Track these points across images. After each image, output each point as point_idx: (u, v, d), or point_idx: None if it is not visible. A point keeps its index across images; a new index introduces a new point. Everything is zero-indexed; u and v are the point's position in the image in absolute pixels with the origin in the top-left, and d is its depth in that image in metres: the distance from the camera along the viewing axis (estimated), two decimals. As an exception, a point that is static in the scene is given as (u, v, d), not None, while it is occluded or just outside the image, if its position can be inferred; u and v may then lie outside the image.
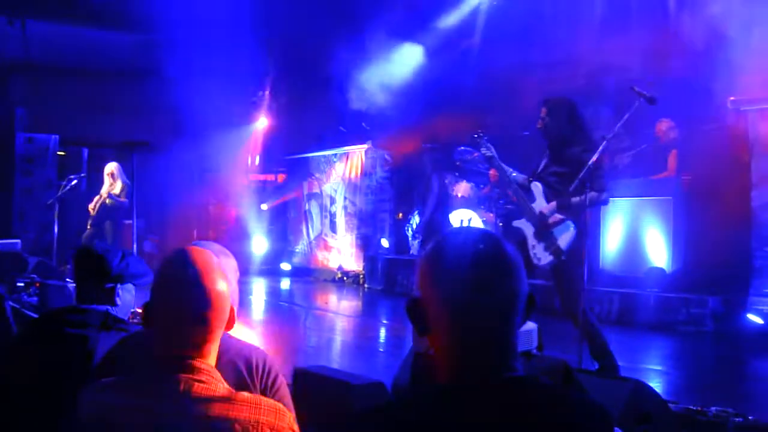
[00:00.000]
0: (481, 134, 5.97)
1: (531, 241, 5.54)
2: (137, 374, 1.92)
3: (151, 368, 1.90)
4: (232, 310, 2.01)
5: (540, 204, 5.55)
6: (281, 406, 1.92)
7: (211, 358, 1.94)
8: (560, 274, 5.51)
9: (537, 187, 5.59)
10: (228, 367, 2.35)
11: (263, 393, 2.38)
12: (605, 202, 5.58)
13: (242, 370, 2.39)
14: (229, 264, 2.61)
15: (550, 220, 5.45)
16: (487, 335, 1.51)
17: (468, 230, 1.65)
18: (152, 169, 11.95)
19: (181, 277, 1.93)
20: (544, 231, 5.48)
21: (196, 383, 1.85)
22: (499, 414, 1.43)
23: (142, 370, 1.92)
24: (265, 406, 1.88)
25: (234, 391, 1.90)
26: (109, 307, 2.89)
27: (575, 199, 5.35)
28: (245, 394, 1.89)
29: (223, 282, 1.98)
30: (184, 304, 1.91)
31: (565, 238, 5.38)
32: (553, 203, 5.46)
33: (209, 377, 1.89)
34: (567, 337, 5.74)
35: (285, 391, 2.47)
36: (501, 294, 1.51)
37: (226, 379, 1.93)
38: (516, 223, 5.71)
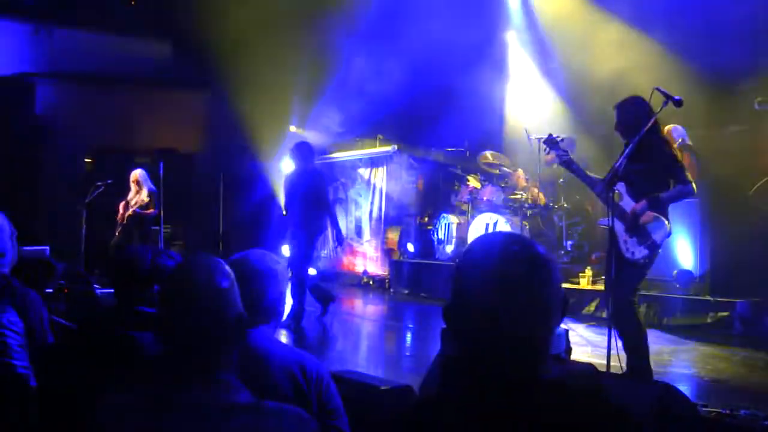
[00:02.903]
0: (559, 137, 5.92)
1: (622, 236, 5.44)
2: (157, 383, 1.88)
3: (171, 376, 1.87)
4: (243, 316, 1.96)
5: (627, 203, 5.47)
6: (306, 414, 1.90)
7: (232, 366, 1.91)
8: (633, 267, 5.42)
9: (621, 187, 5.51)
10: (282, 373, 2.36)
11: (317, 398, 2.39)
12: (691, 194, 5.47)
13: (297, 376, 2.39)
14: (282, 272, 2.74)
15: (643, 219, 5.37)
16: (519, 337, 1.50)
17: (498, 234, 1.65)
18: (179, 176, 12.03)
19: (198, 288, 1.89)
20: (637, 227, 5.40)
21: (219, 392, 1.84)
22: (529, 417, 1.44)
23: (163, 377, 1.89)
24: (290, 414, 1.86)
25: (258, 399, 1.87)
26: None
27: (664, 195, 5.34)
28: (269, 402, 1.87)
29: (235, 289, 1.95)
30: (203, 314, 1.88)
31: (659, 233, 5.33)
32: (644, 202, 5.37)
33: (231, 385, 1.87)
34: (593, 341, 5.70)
35: (337, 396, 2.50)
36: (532, 295, 1.50)
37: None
38: (602, 222, 5.61)
